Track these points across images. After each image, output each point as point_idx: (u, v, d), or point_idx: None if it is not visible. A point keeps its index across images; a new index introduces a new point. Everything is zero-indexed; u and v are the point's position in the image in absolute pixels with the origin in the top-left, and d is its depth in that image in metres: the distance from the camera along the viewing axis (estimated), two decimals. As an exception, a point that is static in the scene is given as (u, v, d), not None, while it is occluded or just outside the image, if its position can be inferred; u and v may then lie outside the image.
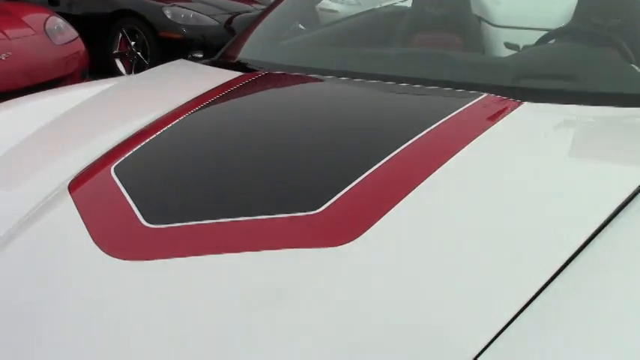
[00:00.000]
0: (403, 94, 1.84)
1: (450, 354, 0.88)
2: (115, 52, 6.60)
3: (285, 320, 0.96)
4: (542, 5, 3.16)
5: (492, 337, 0.89)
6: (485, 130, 1.49)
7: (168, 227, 1.20)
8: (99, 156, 1.53)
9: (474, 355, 0.86)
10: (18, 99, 2.04)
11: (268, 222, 1.19)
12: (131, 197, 1.30)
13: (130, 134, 1.63)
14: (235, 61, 2.24)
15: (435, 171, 1.29)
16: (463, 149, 1.38)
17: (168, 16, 6.36)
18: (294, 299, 1.00)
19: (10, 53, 4.42)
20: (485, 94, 1.69)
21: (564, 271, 0.99)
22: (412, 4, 2.86)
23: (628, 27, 2.41)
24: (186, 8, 6.47)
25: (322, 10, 6.20)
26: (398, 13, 3.00)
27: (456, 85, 1.78)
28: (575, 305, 0.94)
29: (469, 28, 2.69)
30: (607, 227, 1.08)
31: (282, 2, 2.62)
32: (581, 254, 1.02)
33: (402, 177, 1.29)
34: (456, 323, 0.93)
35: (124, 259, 1.13)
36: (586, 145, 1.53)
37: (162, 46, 6.16)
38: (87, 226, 1.22)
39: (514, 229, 1.13)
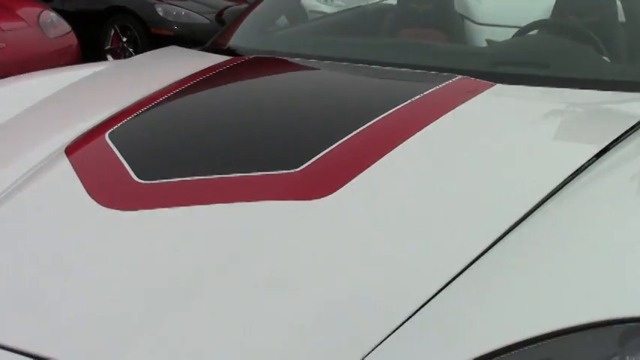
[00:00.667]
0: (383, 76, 1.94)
1: (401, 298, 0.97)
2: (107, 47, 6.69)
3: (255, 262, 1.07)
4: (524, 4, 3.27)
5: (445, 283, 0.98)
6: (457, 105, 1.59)
7: (158, 182, 1.30)
8: (93, 126, 1.62)
9: (428, 297, 0.96)
10: (10, 77, 2.12)
11: (251, 178, 1.29)
12: (124, 157, 1.39)
13: (124, 108, 1.71)
14: (225, 47, 2.33)
15: (406, 140, 1.39)
16: (434, 122, 1.48)
17: (160, 13, 6.46)
18: (267, 244, 1.10)
19: (4, 45, 4.50)
20: (460, 77, 1.79)
21: (511, 232, 1.08)
22: (397, 1, 2.96)
23: (603, 24, 2.52)
24: (177, 6, 6.58)
25: (312, 12, 6.29)
26: (383, 9, 3.10)
27: (434, 70, 1.89)
28: (520, 263, 1.04)
29: (452, 26, 2.79)
30: (550, 200, 1.18)
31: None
32: (522, 224, 1.11)
33: (375, 144, 1.39)
34: (410, 271, 1.03)
35: (117, 209, 1.22)
36: (547, 123, 1.63)
37: (153, 43, 6.25)
38: (82, 182, 1.31)
39: (471, 193, 1.23)
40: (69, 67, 2.53)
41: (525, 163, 1.36)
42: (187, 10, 6.50)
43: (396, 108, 1.54)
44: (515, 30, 2.56)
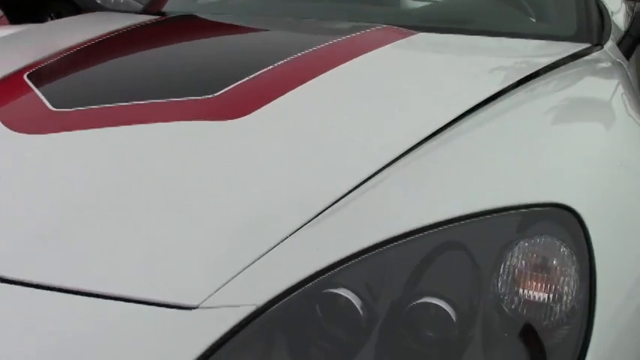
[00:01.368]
0: (306, 27, 1.98)
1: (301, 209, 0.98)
2: (43, 36, 6.56)
3: (166, 174, 1.08)
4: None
5: (357, 182, 1.01)
6: (376, 48, 1.64)
7: (73, 110, 1.31)
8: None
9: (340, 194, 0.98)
10: None
11: (166, 103, 1.30)
12: (40, 91, 1.40)
13: (44, 56, 1.70)
14: (155, 11, 2.34)
15: (319, 75, 1.42)
16: (350, 61, 1.51)
17: (98, 1, 6.36)
18: (180, 158, 1.12)
19: None
20: (384, 25, 1.83)
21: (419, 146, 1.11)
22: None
23: None
24: (116, -7, 6.49)
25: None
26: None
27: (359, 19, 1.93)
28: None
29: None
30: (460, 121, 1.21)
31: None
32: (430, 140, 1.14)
33: (289, 77, 1.41)
34: (321, 174, 1.06)
35: (29, 134, 1.22)
36: (461, 63, 1.68)
37: (91, 30, 6.16)
38: (-3, 114, 1.31)
39: (379, 117, 1.26)
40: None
41: (433, 95, 1.40)
42: (126, -2, 6.43)
43: (314, 49, 1.57)
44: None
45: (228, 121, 1.22)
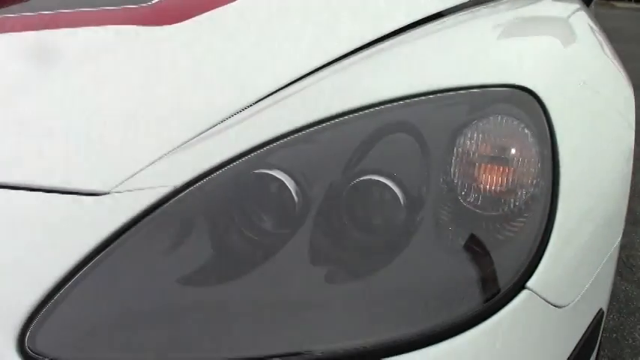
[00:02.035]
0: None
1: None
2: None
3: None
4: None
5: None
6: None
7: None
8: None
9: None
10: None
11: (99, 12, 1.18)
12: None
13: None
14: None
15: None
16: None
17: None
18: (105, 61, 1.00)
19: None
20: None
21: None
22: None
23: None
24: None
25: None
26: None
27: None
28: None
29: None
30: None
31: None
32: None
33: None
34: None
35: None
36: None
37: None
38: None
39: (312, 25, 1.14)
40: None
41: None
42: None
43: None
44: None
45: (158, 26, 1.11)
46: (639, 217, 2.87)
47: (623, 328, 2.08)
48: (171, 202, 0.69)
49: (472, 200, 0.73)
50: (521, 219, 0.73)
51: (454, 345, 0.64)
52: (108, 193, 0.71)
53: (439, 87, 0.79)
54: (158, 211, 0.68)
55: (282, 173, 0.71)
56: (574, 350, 0.77)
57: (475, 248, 0.70)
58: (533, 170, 0.75)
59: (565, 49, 1.02)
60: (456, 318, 0.65)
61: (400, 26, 1.02)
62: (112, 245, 0.66)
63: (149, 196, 0.69)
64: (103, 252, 0.65)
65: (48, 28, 1.14)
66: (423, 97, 0.78)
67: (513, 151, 0.75)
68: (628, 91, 1.16)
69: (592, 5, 2.22)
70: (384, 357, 0.62)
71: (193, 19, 1.12)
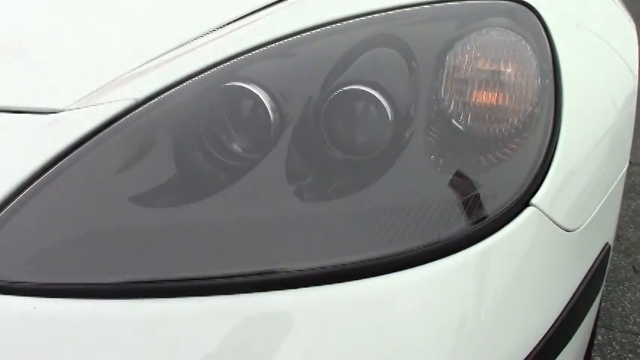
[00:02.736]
0: None
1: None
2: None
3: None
4: None
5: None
6: None
7: None
8: None
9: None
10: None
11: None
12: None
13: None
14: None
15: None
16: None
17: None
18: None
19: None
20: None
21: None
22: None
23: None
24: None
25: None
26: None
27: None
28: None
29: None
30: None
31: None
32: None
33: None
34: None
35: None
36: None
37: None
38: None
39: None
40: None
41: None
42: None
43: None
44: None
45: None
46: (625, 190, 2.83)
47: (612, 297, 2.04)
48: (131, 114, 0.61)
49: (466, 120, 0.66)
50: (521, 139, 0.66)
51: (444, 267, 0.56)
52: (64, 110, 0.63)
53: None
54: (117, 124, 0.60)
55: (256, 87, 0.63)
56: (583, 280, 0.70)
57: (469, 168, 0.63)
58: (532, 87, 0.68)
59: None
60: (448, 237, 0.58)
61: None
62: (63, 161, 0.58)
63: (108, 110, 0.61)
64: (54, 167, 0.57)
65: None
66: (411, 9, 0.70)
67: (510, 65, 0.68)
68: (629, 30, 1.09)
69: None
70: (370, 276, 0.55)
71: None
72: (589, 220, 0.70)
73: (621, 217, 2.57)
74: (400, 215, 0.58)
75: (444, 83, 0.66)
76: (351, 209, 0.58)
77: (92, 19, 0.80)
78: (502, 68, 0.68)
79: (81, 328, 0.51)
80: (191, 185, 0.60)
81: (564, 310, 0.66)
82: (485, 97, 0.67)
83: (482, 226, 0.58)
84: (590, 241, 0.73)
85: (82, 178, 0.58)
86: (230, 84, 0.64)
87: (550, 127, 0.67)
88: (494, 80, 0.68)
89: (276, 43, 0.67)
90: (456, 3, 0.72)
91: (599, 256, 0.76)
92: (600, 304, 1.15)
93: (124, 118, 0.61)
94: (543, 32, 0.73)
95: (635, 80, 0.98)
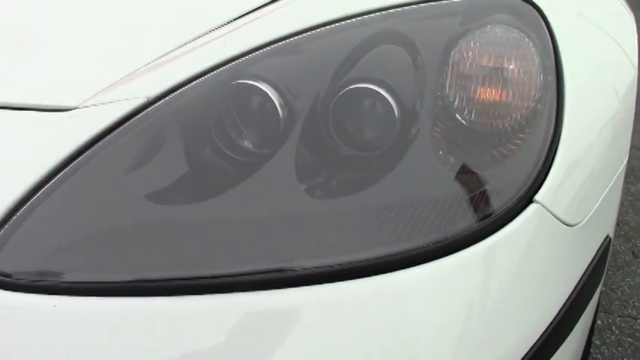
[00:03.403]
0: None
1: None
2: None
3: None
4: None
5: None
6: None
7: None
8: None
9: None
10: None
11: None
12: None
13: None
14: None
15: None
16: None
17: None
18: None
19: None
20: None
21: None
22: None
23: None
24: None
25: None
26: None
27: None
28: None
29: None
30: None
31: None
32: None
33: None
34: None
35: None
36: None
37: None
38: None
39: None
40: None
41: None
42: None
43: None
44: None
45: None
46: (627, 172, 2.85)
47: (612, 282, 2.06)
48: (143, 113, 0.62)
49: (470, 116, 0.67)
50: (524, 134, 0.67)
51: (451, 263, 0.58)
52: (76, 108, 0.64)
53: None
54: (129, 122, 0.62)
55: (265, 84, 0.65)
56: (584, 273, 0.72)
57: (473, 164, 0.64)
58: (535, 83, 0.69)
59: None
60: (456, 234, 0.59)
61: None
62: (78, 159, 0.59)
63: (120, 109, 0.63)
64: (69, 166, 0.59)
65: None
66: (416, 5, 0.72)
67: (513, 62, 0.69)
68: (629, 23, 1.10)
69: None
70: (378, 273, 0.56)
71: None
72: (590, 214, 0.72)
73: (621, 201, 2.58)
74: (407, 212, 0.59)
75: (448, 79, 0.68)
76: (358, 206, 0.60)
77: (101, 15, 0.81)
78: (505, 65, 0.69)
79: (98, 325, 0.53)
80: (202, 182, 0.61)
81: (566, 302, 0.67)
82: (488, 93, 0.69)
83: (487, 222, 0.59)
84: (592, 235, 0.75)
85: (96, 177, 0.59)
86: (239, 81, 0.65)
87: (552, 123, 0.69)
88: (497, 77, 0.69)
89: (284, 41, 0.68)
90: (459, 0, 0.73)
91: (599, 248, 0.78)
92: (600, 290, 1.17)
93: (136, 117, 0.62)
94: (545, 28, 0.74)
95: (634, 70, 0.99)
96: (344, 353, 0.53)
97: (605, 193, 0.77)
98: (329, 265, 0.56)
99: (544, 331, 0.64)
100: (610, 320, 1.87)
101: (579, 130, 0.71)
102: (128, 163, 0.61)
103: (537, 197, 0.63)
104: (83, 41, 0.76)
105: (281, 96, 0.65)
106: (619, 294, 2.00)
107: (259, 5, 0.78)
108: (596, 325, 1.83)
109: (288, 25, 0.70)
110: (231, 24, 0.75)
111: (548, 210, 0.63)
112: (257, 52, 0.67)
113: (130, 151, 0.61)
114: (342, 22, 0.70)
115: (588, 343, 1.02)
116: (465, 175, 0.63)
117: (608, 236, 0.83)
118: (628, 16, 1.10)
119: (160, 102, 0.63)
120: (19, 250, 0.56)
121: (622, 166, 0.86)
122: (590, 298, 0.78)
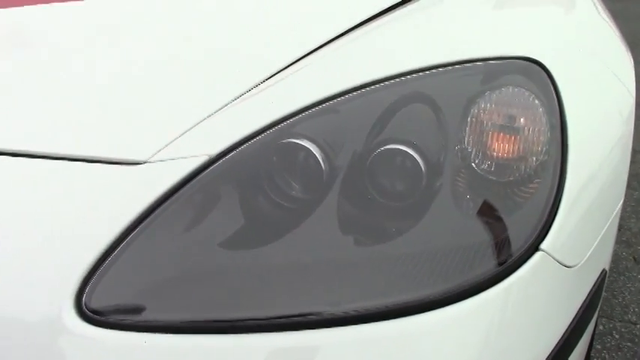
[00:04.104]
0: None
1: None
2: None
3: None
4: None
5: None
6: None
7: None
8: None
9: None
10: None
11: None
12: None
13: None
14: None
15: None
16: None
17: None
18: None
19: None
20: None
21: None
22: None
23: None
24: None
25: None
26: None
27: None
28: None
29: None
30: None
31: None
32: None
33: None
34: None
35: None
36: None
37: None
38: None
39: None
40: None
41: None
42: None
43: None
44: None
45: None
46: (628, 180, 2.94)
47: (614, 288, 2.16)
48: (207, 171, 0.73)
49: (486, 167, 0.78)
50: (533, 184, 0.78)
51: (471, 305, 0.69)
52: (146, 162, 0.75)
53: (454, 59, 0.83)
54: (195, 180, 0.72)
55: (309, 142, 0.75)
56: (580, 308, 0.83)
57: (490, 213, 0.75)
58: (543, 139, 0.79)
59: (567, 17, 1.07)
60: (473, 279, 0.70)
61: None
62: (154, 213, 0.70)
63: (187, 165, 0.74)
64: (147, 219, 0.70)
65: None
66: (439, 69, 0.82)
67: (524, 120, 0.80)
68: (623, 51, 1.20)
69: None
70: (404, 316, 0.67)
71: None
72: (588, 254, 0.83)
73: (624, 207, 2.68)
74: (433, 260, 0.70)
75: (467, 135, 0.78)
76: (389, 253, 0.71)
77: (161, 70, 0.92)
78: (516, 123, 0.80)
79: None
80: (256, 230, 0.72)
81: (565, 332, 0.78)
82: (502, 148, 0.79)
83: (500, 269, 0.70)
84: (589, 272, 0.85)
85: (169, 229, 0.70)
86: (286, 140, 0.76)
87: (557, 175, 0.79)
88: (509, 133, 0.80)
89: (325, 104, 0.79)
90: (478, 63, 0.84)
91: (596, 282, 0.88)
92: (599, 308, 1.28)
93: (201, 174, 0.73)
94: (552, 88, 0.84)
95: (632, 99, 1.09)
96: None
97: (602, 234, 0.88)
98: (366, 309, 0.67)
99: (546, 358, 0.75)
100: (611, 325, 1.98)
101: (581, 179, 0.82)
102: (194, 215, 0.72)
103: (542, 246, 0.73)
104: (143, 95, 0.87)
105: (323, 152, 0.76)
106: (620, 300, 2.10)
107: (303, 54, 0.89)
108: (597, 331, 1.94)
109: (327, 86, 0.81)
110: (276, 76, 0.86)
111: (551, 256, 0.74)
112: (301, 115, 0.78)
113: (196, 204, 0.72)
114: (374, 87, 0.80)
115: (587, 354, 1.13)
116: (484, 224, 0.74)
117: (604, 269, 0.93)
118: (623, 48, 1.21)
119: (220, 160, 0.74)
120: (108, 293, 0.67)
121: (618, 207, 0.97)
122: (587, 325, 0.89)
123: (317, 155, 0.75)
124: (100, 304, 0.66)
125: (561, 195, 0.78)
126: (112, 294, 0.67)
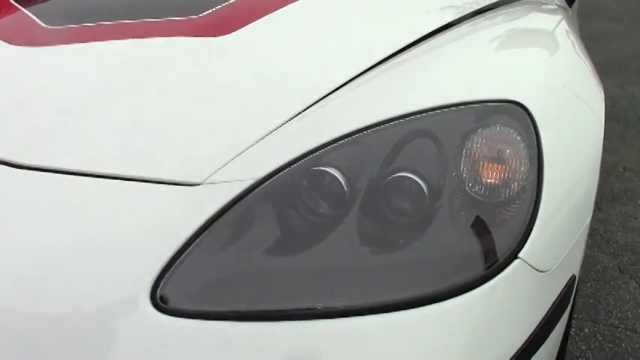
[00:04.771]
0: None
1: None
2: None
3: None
4: None
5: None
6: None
7: (65, 27, 1.40)
8: None
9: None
10: None
11: (156, 22, 1.40)
12: (30, 12, 1.48)
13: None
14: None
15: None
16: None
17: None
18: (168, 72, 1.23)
19: None
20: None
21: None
22: None
23: None
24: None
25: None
26: None
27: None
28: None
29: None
30: None
31: None
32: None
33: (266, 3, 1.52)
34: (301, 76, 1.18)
35: (27, 46, 1.32)
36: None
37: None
38: (-6, 33, 1.39)
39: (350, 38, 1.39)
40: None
41: (388, 25, 1.49)
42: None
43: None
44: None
45: (216, 37, 1.33)
46: (617, 195, 3.13)
47: (599, 295, 2.35)
48: (253, 192, 0.92)
49: (477, 190, 0.97)
50: (515, 205, 0.97)
51: (461, 301, 0.87)
52: (201, 184, 0.94)
53: (452, 102, 1.02)
54: (243, 200, 0.92)
55: (334, 170, 0.95)
56: (550, 308, 1.02)
57: (480, 228, 0.94)
58: (523, 168, 0.98)
59: (550, 59, 1.27)
60: (464, 280, 0.89)
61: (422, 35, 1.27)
62: (213, 225, 0.89)
63: (238, 187, 0.93)
64: (205, 231, 0.89)
65: (116, 38, 1.35)
66: (440, 110, 1.02)
67: (509, 153, 0.99)
68: (597, 88, 1.40)
69: (574, 5, 2.44)
70: (408, 308, 0.86)
71: (245, 28, 1.34)
72: (559, 261, 1.02)
73: (612, 221, 2.87)
74: (432, 265, 0.89)
75: (462, 164, 0.97)
76: (399, 260, 0.90)
77: (214, 98, 1.11)
78: (503, 155, 0.99)
79: (230, 345, 0.83)
80: (292, 240, 0.92)
81: (537, 326, 0.97)
82: (490, 175, 0.98)
83: (486, 273, 0.89)
84: (559, 276, 1.04)
85: (224, 239, 0.89)
86: (317, 168, 0.95)
87: (534, 197, 0.98)
88: (497, 163, 0.99)
89: (348, 138, 0.98)
90: (472, 105, 1.03)
91: (565, 286, 1.07)
92: (571, 316, 1.47)
93: (249, 195, 0.92)
94: (531, 125, 1.04)
95: (602, 127, 1.29)
96: None
97: (572, 244, 1.07)
98: (380, 302, 0.86)
99: (520, 347, 0.94)
100: (595, 328, 2.16)
101: (554, 200, 1.01)
102: (242, 228, 0.91)
103: (520, 254, 0.92)
104: (200, 124, 1.06)
105: (345, 177, 0.95)
106: (604, 305, 2.29)
107: (329, 91, 1.09)
108: (583, 333, 2.13)
109: (349, 123, 1.00)
110: (308, 110, 1.05)
111: (527, 263, 0.93)
112: (329, 147, 0.97)
113: (243, 219, 0.91)
114: (388, 124, 1.00)
115: (562, 352, 1.32)
116: (474, 236, 0.93)
117: (573, 275, 1.12)
118: (596, 84, 1.40)
119: (264, 184, 0.93)
120: (177, 289, 0.86)
121: (587, 221, 1.16)
122: (556, 323, 1.08)
123: (341, 180, 0.94)
124: (170, 297, 0.85)
125: (537, 213, 0.96)
126: (179, 290, 0.86)
